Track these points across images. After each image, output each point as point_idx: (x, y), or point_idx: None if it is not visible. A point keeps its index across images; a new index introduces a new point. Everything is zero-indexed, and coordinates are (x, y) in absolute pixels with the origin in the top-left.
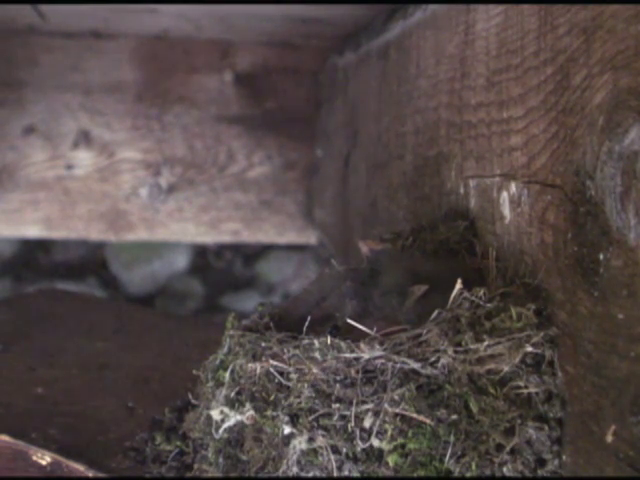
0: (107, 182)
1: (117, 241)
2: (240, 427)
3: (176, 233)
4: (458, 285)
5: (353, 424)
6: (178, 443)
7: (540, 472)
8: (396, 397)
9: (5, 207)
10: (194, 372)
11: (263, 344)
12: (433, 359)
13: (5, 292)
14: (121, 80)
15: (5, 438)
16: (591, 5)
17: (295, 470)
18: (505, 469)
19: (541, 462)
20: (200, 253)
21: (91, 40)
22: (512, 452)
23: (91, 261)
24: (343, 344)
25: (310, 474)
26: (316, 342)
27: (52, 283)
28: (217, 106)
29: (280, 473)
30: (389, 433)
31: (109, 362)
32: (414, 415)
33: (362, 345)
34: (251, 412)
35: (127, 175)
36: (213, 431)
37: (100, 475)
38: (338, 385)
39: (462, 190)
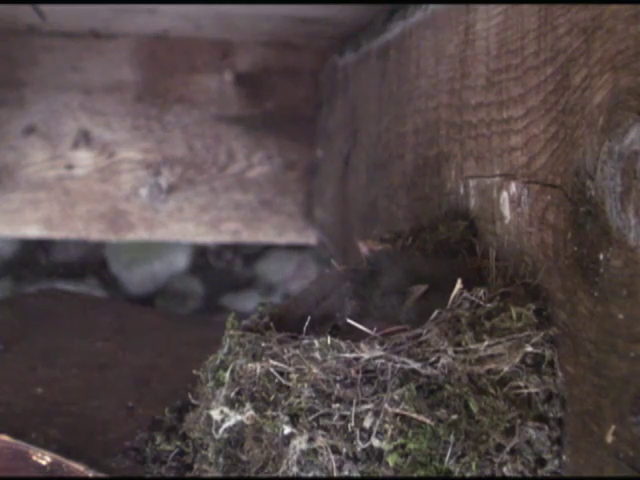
0: (107, 182)
1: (117, 241)
2: (240, 427)
3: (176, 233)
4: (458, 285)
5: (353, 424)
6: (178, 443)
7: (540, 472)
8: (396, 397)
9: (5, 207)
10: (194, 372)
11: (263, 344)
12: (433, 359)
13: (5, 292)
14: (121, 80)
15: (5, 438)
16: (591, 5)
17: (295, 470)
18: (505, 469)
19: (541, 462)
20: (200, 253)
21: (91, 40)
22: (512, 452)
23: (91, 261)
24: (343, 344)
25: (310, 474)
26: (316, 342)
27: (52, 283)
28: (217, 106)
29: (280, 473)
30: (389, 433)
31: (109, 362)
32: (414, 415)
33: (362, 345)
34: (251, 412)
35: (127, 175)
36: (213, 431)
37: (100, 475)
38: (338, 385)
39: (462, 190)
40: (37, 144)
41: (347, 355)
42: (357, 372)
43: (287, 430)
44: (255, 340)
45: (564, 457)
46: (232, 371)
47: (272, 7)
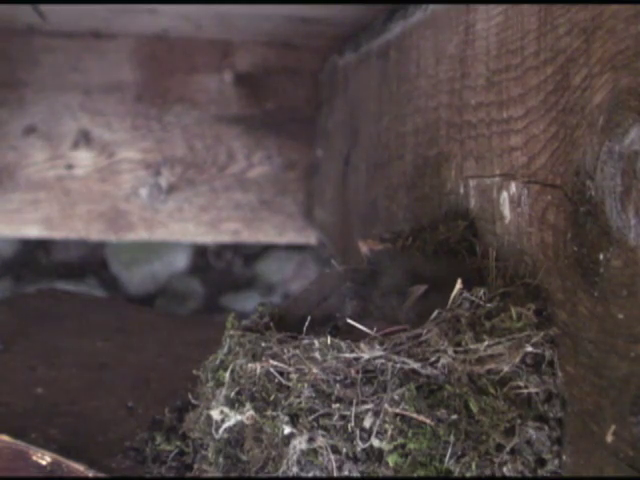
0: (107, 182)
1: (117, 241)
2: (240, 427)
3: (176, 233)
4: (458, 285)
5: (353, 424)
6: (178, 443)
7: (540, 472)
8: (396, 397)
9: (5, 207)
10: (194, 372)
11: (263, 344)
12: (433, 359)
13: (5, 292)
14: (121, 80)
15: (5, 438)
16: (591, 5)
17: (295, 470)
18: (505, 469)
19: (541, 462)
20: (200, 253)
21: (91, 40)
22: (512, 452)
23: (91, 261)
24: (343, 344)
25: (310, 474)
26: (316, 342)
27: (52, 283)
28: (217, 106)
29: (280, 473)
30: (389, 433)
31: (109, 362)
32: (414, 415)
33: (362, 345)
34: (251, 412)
35: (127, 175)
36: (213, 431)
37: (100, 475)
38: (338, 385)
39: (462, 190)
40: (37, 144)
41: (347, 355)
42: (357, 372)
43: (287, 430)
44: (255, 340)
45: (564, 457)
46: (232, 371)
47: (272, 7)
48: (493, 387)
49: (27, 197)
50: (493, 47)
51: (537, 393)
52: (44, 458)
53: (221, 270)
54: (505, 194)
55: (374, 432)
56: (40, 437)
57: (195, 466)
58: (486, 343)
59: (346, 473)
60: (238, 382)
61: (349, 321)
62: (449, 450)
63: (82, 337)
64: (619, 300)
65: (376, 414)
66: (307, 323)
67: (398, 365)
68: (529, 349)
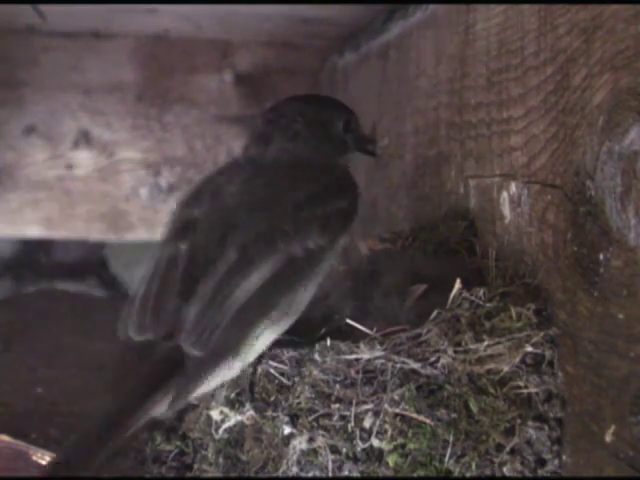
0: (107, 182)
1: (117, 241)
2: (240, 427)
3: None
4: (457, 285)
5: (353, 424)
6: (178, 443)
7: (540, 472)
8: (396, 397)
9: (5, 207)
10: None
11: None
12: (433, 359)
13: (5, 292)
14: (121, 80)
15: (5, 438)
16: (591, 5)
17: (295, 470)
18: (505, 469)
19: (541, 462)
20: None
21: (91, 40)
22: (512, 452)
23: (91, 261)
24: (343, 345)
25: (310, 474)
26: (316, 345)
27: (52, 283)
28: (217, 106)
29: (280, 473)
30: (389, 433)
31: (109, 362)
32: (414, 415)
33: (362, 345)
34: (251, 412)
35: (127, 175)
36: (213, 431)
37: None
38: (338, 385)
39: (462, 190)
40: (37, 144)
41: (347, 356)
42: (357, 372)
43: (287, 430)
44: None
45: (564, 457)
46: None
47: (272, 7)
48: (493, 387)
49: (27, 197)
50: (493, 47)
51: (537, 393)
52: (44, 458)
53: None
54: (505, 194)
55: (374, 432)
56: (40, 437)
57: (195, 466)
58: (486, 343)
59: (346, 473)
60: (238, 382)
61: (349, 321)
62: (449, 450)
63: (82, 337)
64: (619, 300)
65: (376, 414)
66: (306, 323)
67: (398, 365)
68: (529, 349)
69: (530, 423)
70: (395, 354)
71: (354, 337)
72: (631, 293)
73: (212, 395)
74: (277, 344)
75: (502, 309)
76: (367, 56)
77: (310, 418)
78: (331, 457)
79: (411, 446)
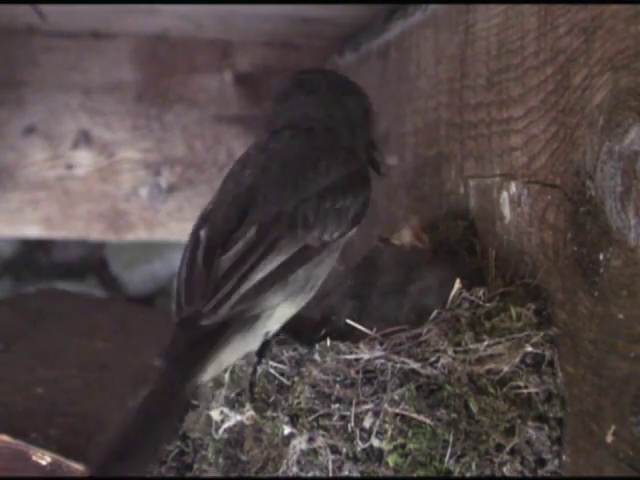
0: (107, 182)
1: (117, 241)
2: (240, 427)
3: (176, 233)
4: (457, 285)
5: (353, 424)
6: (178, 443)
7: (540, 472)
8: (396, 397)
9: (5, 207)
10: None
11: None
12: (433, 359)
13: (5, 292)
14: (121, 80)
15: (5, 438)
16: (591, 5)
17: (295, 470)
18: (505, 469)
19: (541, 462)
20: None
21: (91, 40)
22: (512, 452)
23: (91, 261)
24: (342, 345)
25: (310, 474)
26: (316, 345)
27: (52, 283)
28: (217, 106)
29: (280, 473)
30: (389, 433)
31: (109, 362)
32: (414, 415)
33: (362, 345)
34: (251, 412)
35: (127, 175)
36: (213, 431)
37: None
38: (338, 385)
39: (462, 190)
40: (37, 144)
41: (347, 356)
42: (357, 372)
43: (287, 430)
44: None
45: (564, 457)
46: (232, 372)
47: (272, 7)
48: (493, 387)
49: (27, 197)
50: (493, 47)
51: (537, 393)
52: (44, 458)
53: None
54: (505, 194)
55: (374, 432)
56: (40, 437)
57: (195, 466)
58: (486, 343)
59: (346, 473)
60: (238, 383)
61: (349, 321)
62: (449, 450)
63: (82, 337)
64: (619, 300)
65: (376, 414)
66: (305, 324)
67: (398, 365)
68: (529, 349)
69: (530, 423)
70: (395, 354)
71: (354, 337)
72: (631, 293)
73: (212, 395)
74: (277, 343)
75: (502, 309)
76: (367, 56)
77: (310, 418)
78: (331, 457)
79: (411, 446)
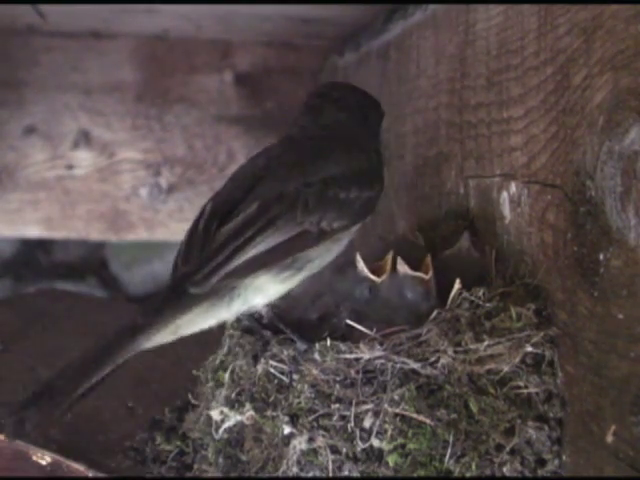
0: (107, 182)
1: (117, 241)
2: (240, 427)
3: (176, 233)
4: (457, 285)
5: (353, 424)
6: (178, 443)
7: (540, 472)
8: (396, 397)
9: (5, 207)
10: (194, 372)
11: (263, 345)
12: (433, 359)
13: (5, 292)
14: (121, 80)
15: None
16: (591, 5)
17: (295, 470)
18: (505, 469)
19: (541, 462)
20: None
21: (91, 40)
22: (512, 452)
23: (91, 261)
24: (342, 345)
25: (310, 474)
26: (316, 344)
27: (52, 283)
28: (217, 106)
29: (280, 473)
30: (389, 433)
31: None
32: (414, 415)
33: (362, 346)
34: (251, 412)
35: (127, 175)
36: (213, 431)
37: (100, 475)
38: (338, 385)
39: (462, 190)
40: (37, 144)
41: (347, 356)
42: (357, 372)
43: (287, 430)
44: (254, 341)
45: (564, 457)
46: (232, 372)
47: (272, 7)
48: (493, 387)
49: (27, 197)
50: (493, 47)
51: (537, 393)
52: (44, 458)
53: None
54: (505, 194)
55: (374, 432)
56: (40, 437)
57: (195, 466)
58: (486, 343)
59: (346, 473)
60: (238, 383)
61: (349, 322)
62: (449, 450)
63: (82, 337)
64: (619, 300)
65: (376, 414)
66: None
67: (398, 365)
68: (529, 349)
69: (530, 423)
70: (395, 354)
71: (354, 338)
72: (631, 293)
73: (212, 395)
74: (278, 342)
75: (502, 309)
76: (367, 56)
77: (310, 418)
78: (331, 457)
79: (411, 446)
